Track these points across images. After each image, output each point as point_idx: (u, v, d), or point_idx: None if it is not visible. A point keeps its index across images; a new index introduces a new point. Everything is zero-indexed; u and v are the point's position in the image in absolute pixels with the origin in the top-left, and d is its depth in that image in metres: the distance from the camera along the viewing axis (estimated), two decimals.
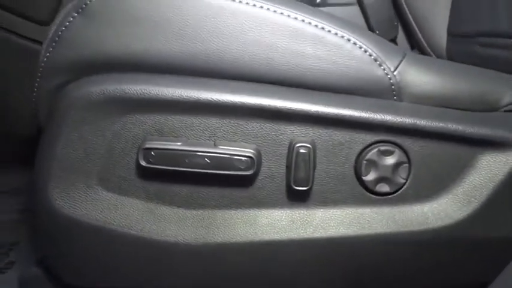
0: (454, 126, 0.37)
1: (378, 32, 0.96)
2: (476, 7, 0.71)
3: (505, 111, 0.41)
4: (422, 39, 0.87)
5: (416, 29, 0.88)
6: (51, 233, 0.41)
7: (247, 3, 0.38)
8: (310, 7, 0.42)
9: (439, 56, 0.82)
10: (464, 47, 0.73)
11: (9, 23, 0.97)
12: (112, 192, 0.38)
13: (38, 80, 0.42)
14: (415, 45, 0.92)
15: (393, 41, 0.97)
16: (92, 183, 0.39)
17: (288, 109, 0.37)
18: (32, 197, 0.43)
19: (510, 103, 0.42)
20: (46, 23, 0.97)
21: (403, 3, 0.90)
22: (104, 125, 0.38)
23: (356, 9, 0.98)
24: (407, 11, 0.89)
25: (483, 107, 0.41)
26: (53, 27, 0.45)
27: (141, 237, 0.38)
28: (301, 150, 0.36)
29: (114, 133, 0.38)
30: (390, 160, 0.38)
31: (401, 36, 0.97)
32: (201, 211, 0.38)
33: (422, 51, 0.88)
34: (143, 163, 0.37)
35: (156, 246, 0.38)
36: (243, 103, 0.37)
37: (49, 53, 0.41)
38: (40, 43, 0.99)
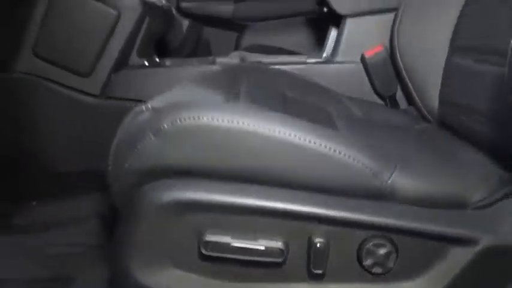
0: (430, 226, 0.51)
1: (378, 87, 1.09)
2: (467, 83, 0.83)
3: (474, 208, 0.55)
4: (417, 99, 1.01)
5: (412, 89, 1.01)
6: None
7: (279, 132, 0.52)
8: (320, 129, 0.55)
9: (431, 114, 0.95)
10: (454, 117, 0.86)
11: (54, 74, 1.10)
12: (179, 269, 0.53)
13: (115, 181, 0.57)
14: (411, 102, 1.05)
15: (393, 96, 1.11)
16: (163, 262, 0.53)
17: (309, 212, 0.51)
18: (113, 265, 0.57)
19: (478, 200, 0.56)
20: (87, 74, 1.11)
21: (401, 65, 1.03)
22: (172, 221, 0.52)
23: (360, 67, 1.12)
24: (405, 73, 1.02)
25: (456, 205, 0.55)
26: (128, 140, 0.58)
27: None
28: (318, 245, 0.51)
29: (181, 228, 0.52)
30: (383, 250, 0.52)
31: (400, 93, 1.11)
32: (246, 284, 0.52)
33: (418, 110, 1.01)
34: (203, 251, 0.51)
35: None
36: (277, 207, 0.51)
37: (128, 163, 0.55)
38: (80, 91, 1.12)
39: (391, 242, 0.52)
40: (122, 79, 1.13)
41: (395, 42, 1.04)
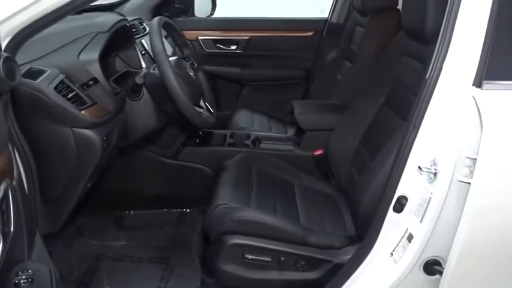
0: (319, 255, 1.58)
1: (318, 169, 2.17)
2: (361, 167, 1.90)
3: (335, 249, 1.63)
4: (335, 176, 2.08)
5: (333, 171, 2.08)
6: None
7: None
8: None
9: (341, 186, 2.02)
10: (351, 189, 1.93)
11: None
12: (236, 265, 1.58)
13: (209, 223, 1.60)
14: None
15: (328, 173, 2.17)
16: (230, 262, 1.58)
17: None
18: (205, 255, 1.62)
19: (338, 246, 1.63)
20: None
21: (330, 159, 2.09)
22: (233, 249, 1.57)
23: (311, 159, 2.19)
24: (330, 160, 2.08)
25: (328, 248, 1.62)
26: None
27: None
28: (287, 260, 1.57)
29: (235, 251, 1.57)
30: (303, 262, 1.59)
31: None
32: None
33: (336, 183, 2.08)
34: (245, 260, 1.56)
35: None
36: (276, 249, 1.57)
37: (221, 226, 1.58)
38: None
39: (307, 259, 1.58)
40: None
41: (330, 147, 2.06)
